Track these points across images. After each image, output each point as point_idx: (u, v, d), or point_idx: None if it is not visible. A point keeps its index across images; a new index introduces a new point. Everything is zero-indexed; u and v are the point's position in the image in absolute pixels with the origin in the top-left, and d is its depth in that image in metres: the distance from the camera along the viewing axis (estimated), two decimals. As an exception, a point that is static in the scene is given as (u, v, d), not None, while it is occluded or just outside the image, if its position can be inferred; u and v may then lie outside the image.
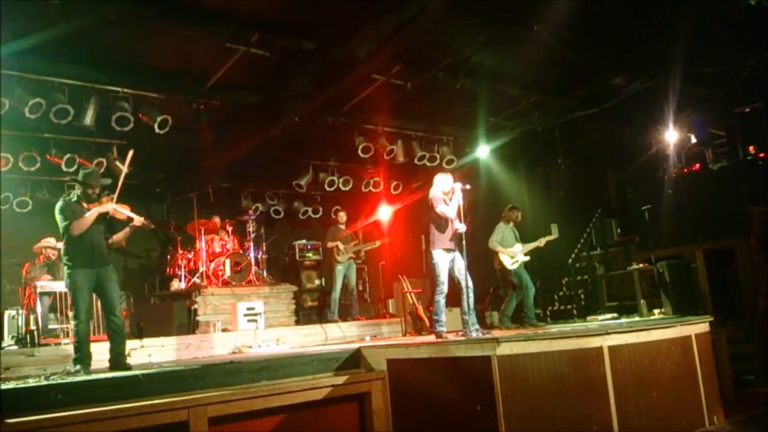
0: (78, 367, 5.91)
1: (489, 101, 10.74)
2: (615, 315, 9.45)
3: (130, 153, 6.54)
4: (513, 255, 9.21)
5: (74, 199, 6.27)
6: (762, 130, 10.28)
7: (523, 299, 9.27)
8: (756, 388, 8.77)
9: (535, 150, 12.55)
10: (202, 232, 10.82)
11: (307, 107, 9.83)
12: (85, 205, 6.22)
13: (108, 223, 6.32)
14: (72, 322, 6.20)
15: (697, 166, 10.86)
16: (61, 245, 8.48)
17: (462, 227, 7.11)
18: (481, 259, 9.26)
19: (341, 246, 10.69)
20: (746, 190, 9.76)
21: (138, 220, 6.30)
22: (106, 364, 6.21)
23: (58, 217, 6.15)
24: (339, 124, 10.84)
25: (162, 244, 11.82)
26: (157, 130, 8.95)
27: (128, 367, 6.08)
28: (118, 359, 6.14)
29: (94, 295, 6.33)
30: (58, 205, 6.19)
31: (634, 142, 11.69)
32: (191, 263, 10.78)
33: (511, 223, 9.47)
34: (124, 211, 6.28)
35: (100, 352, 6.36)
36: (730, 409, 7.27)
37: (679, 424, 6.41)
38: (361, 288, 12.63)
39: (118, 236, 6.40)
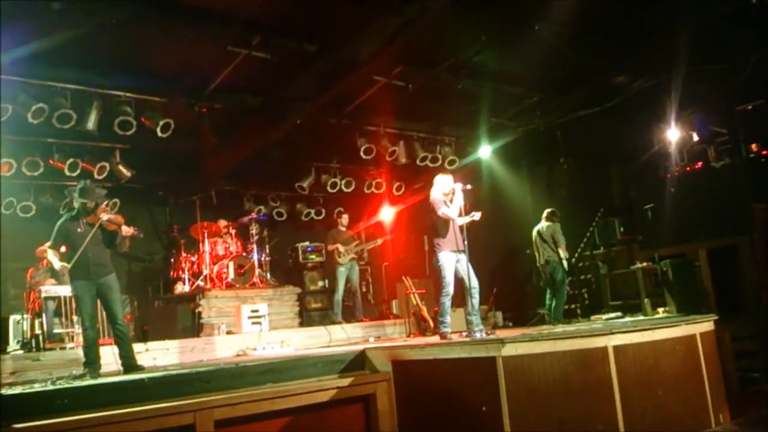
0: (85, 370, 5.95)
1: (491, 101, 10.74)
2: (619, 314, 9.45)
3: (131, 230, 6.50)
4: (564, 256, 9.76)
5: (74, 215, 6.38)
6: (765, 127, 10.27)
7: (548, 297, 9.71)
8: (761, 386, 8.74)
9: (537, 150, 12.55)
10: (206, 235, 10.83)
11: (309, 109, 9.83)
12: (82, 220, 6.31)
13: (107, 233, 6.36)
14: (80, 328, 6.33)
15: (700, 164, 10.83)
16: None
17: (477, 215, 7.14)
18: (483, 259, 9.24)
19: (341, 248, 10.69)
20: (749, 187, 9.76)
21: (126, 230, 6.36)
22: (114, 368, 6.25)
23: (53, 233, 6.34)
24: (341, 126, 10.86)
25: (165, 248, 11.83)
26: (159, 134, 8.98)
27: (141, 368, 6.18)
28: (128, 363, 6.23)
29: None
30: (59, 222, 6.36)
31: (636, 140, 11.67)
32: (195, 266, 10.79)
33: None
34: (114, 222, 6.33)
35: (107, 355, 6.39)
36: (736, 407, 7.24)
37: (685, 423, 6.39)
38: (364, 289, 12.62)
39: (123, 245, 6.48)
